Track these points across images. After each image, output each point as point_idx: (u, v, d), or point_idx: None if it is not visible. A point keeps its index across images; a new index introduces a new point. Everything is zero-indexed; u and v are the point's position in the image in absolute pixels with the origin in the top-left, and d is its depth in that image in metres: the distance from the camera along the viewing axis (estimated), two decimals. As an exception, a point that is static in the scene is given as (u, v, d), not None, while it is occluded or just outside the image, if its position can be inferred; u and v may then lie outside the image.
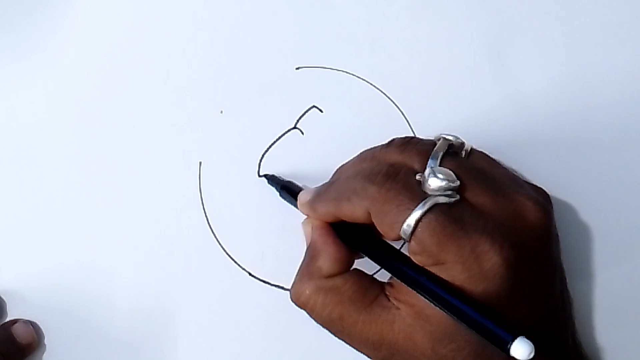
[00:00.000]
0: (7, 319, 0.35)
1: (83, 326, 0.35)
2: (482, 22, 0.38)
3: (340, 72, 0.37)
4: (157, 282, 0.35)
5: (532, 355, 0.24)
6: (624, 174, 0.36)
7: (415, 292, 0.28)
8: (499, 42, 0.37)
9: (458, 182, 0.28)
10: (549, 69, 0.37)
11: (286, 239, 0.36)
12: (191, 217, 0.36)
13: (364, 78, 0.37)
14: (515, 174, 0.33)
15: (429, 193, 0.28)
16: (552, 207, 0.31)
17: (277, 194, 0.35)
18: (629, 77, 0.37)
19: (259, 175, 0.36)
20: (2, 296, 0.35)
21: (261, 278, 0.35)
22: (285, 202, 0.35)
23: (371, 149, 0.32)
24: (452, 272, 0.27)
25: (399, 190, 0.28)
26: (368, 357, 0.30)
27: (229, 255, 0.36)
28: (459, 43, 0.37)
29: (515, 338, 0.25)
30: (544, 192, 0.32)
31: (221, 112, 0.37)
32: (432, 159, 0.29)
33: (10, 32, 0.38)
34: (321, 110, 0.37)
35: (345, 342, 0.31)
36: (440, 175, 0.28)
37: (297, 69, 0.37)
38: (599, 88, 0.37)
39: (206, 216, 0.36)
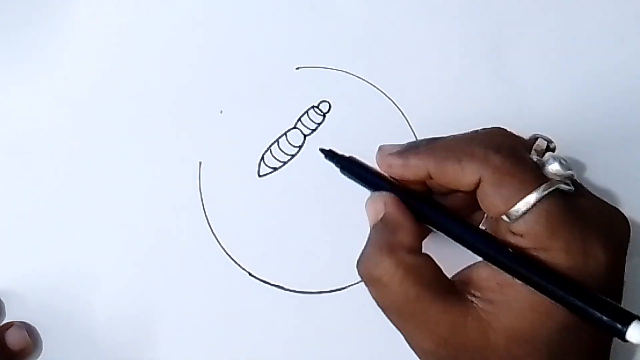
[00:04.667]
0: (5, 320, 0.35)
1: (81, 327, 0.35)
2: (482, 22, 0.38)
3: (340, 72, 0.37)
4: (157, 282, 0.35)
5: None
6: (624, 173, 0.36)
7: (500, 284, 0.27)
8: (499, 42, 0.37)
9: (574, 172, 0.28)
10: (548, 68, 0.37)
11: (286, 239, 0.36)
12: (191, 217, 0.36)
13: (364, 78, 0.37)
14: None
15: (549, 177, 0.28)
16: None
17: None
18: (628, 77, 0.37)
19: (259, 175, 0.36)
20: (0, 297, 0.35)
21: (261, 278, 0.35)
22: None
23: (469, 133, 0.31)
24: (555, 259, 0.26)
25: (524, 166, 0.28)
26: (424, 354, 0.29)
27: (229, 255, 0.36)
28: (458, 43, 0.37)
29: (632, 321, 0.24)
30: None
31: (221, 112, 0.37)
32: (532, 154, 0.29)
33: (10, 32, 0.38)
34: (321, 110, 0.37)
35: (404, 330, 0.29)
36: (563, 162, 0.28)
37: (297, 69, 0.37)
38: (599, 88, 0.37)
39: (206, 216, 0.36)
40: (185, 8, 0.38)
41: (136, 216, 0.36)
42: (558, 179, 0.28)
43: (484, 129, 0.31)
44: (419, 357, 0.29)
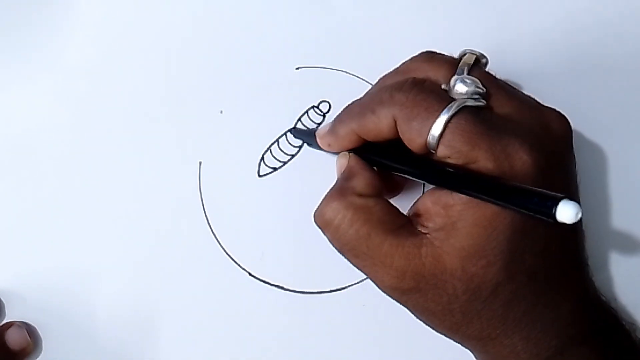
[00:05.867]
0: (5, 320, 0.35)
1: (81, 327, 0.35)
2: (482, 22, 0.38)
3: (340, 72, 0.37)
4: (157, 283, 0.35)
5: (579, 216, 0.23)
6: (625, 175, 0.36)
7: (444, 207, 0.28)
8: (499, 42, 0.38)
9: (484, 89, 0.29)
10: (548, 69, 0.37)
11: (286, 239, 0.36)
12: (191, 217, 0.36)
13: (363, 78, 0.37)
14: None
15: (456, 98, 0.28)
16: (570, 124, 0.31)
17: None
18: (629, 76, 0.37)
19: (259, 175, 0.36)
20: (0, 297, 0.35)
21: (261, 278, 0.35)
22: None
23: (395, 68, 0.32)
24: (484, 169, 0.27)
25: (427, 94, 0.28)
26: (389, 290, 0.29)
27: (229, 255, 0.36)
28: (459, 43, 0.37)
29: (560, 201, 0.23)
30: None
31: (221, 112, 0.37)
32: (459, 70, 0.30)
33: (11, 32, 0.38)
34: (321, 110, 0.37)
35: (365, 269, 0.29)
36: (467, 81, 0.29)
37: (297, 69, 0.37)
38: (599, 88, 0.37)
39: (206, 216, 0.36)
40: (186, 8, 0.38)
41: (136, 216, 0.36)
42: (465, 97, 0.28)
43: (411, 57, 0.32)
44: (387, 295, 0.30)
